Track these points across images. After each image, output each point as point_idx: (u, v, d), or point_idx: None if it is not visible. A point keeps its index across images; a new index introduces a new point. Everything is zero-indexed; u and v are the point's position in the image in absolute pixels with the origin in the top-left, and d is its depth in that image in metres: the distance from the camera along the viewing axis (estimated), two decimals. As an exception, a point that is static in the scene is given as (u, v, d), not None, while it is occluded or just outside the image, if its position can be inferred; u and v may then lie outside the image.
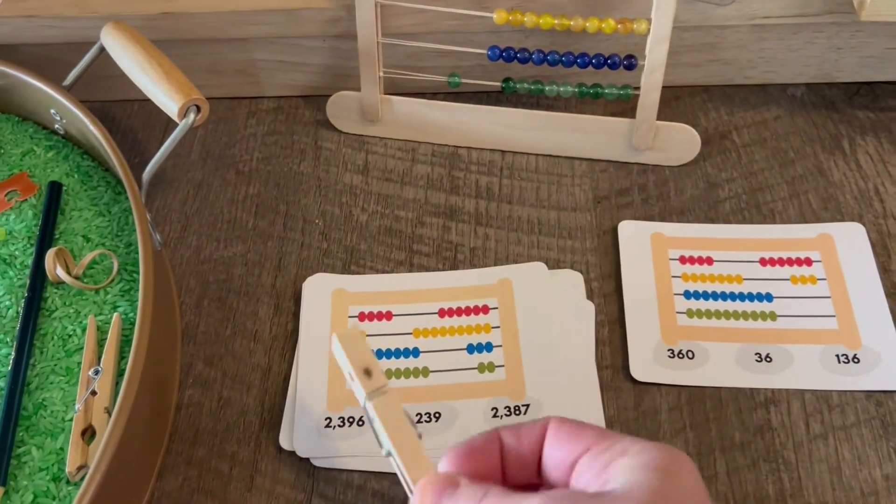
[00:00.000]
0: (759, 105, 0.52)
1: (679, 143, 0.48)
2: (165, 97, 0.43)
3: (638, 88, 0.46)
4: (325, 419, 0.39)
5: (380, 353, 0.41)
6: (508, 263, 0.45)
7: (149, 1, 0.49)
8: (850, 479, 0.37)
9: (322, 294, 0.44)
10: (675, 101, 0.52)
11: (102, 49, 0.47)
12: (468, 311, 0.41)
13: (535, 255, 0.45)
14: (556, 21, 0.45)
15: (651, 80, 0.45)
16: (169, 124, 0.53)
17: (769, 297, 0.42)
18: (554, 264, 0.45)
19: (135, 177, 0.43)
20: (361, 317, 0.42)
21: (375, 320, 0.41)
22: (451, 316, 0.41)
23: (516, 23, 0.46)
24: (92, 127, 0.45)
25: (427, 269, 0.45)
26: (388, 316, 0.41)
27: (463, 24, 0.48)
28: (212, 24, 0.49)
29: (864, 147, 0.49)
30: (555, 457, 0.29)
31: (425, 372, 0.40)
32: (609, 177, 0.49)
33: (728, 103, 0.52)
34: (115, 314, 0.41)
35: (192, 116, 0.43)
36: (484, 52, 0.48)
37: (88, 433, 0.38)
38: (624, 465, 0.27)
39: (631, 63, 0.46)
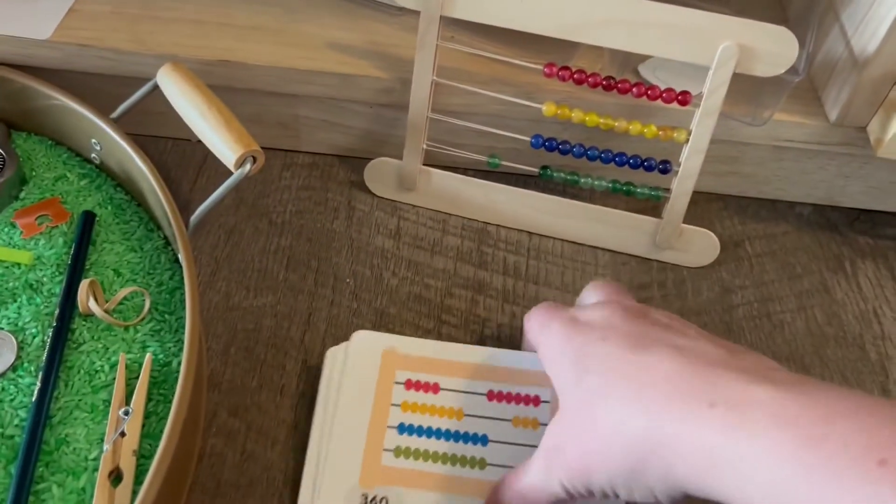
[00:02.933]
0: (769, 219, 0.56)
1: (700, 246, 0.51)
2: (224, 145, 0.43)
3: (668, 191, 0.49)
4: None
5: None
6: (534, 344, 0.46)
7: (208, 46, 0.50)
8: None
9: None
10: (693, 206, 0.55)
11: (156, 87, 0.48)
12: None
13: (560, 338, 0.47)
14: (601, 120, 0.47)
15: (683, 186, 0.48)
16: (203, 167, 0.54)
17: (484, 441, 0.39)
18: (577, 350, 0.46)
19: (183, 222, 0.43)
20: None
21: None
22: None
23: (563, 117, 0.48)
24: (141, 164, 0.45)
25: (455, 341, 0.46)
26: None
27: (508, 110, 0.50)
28: (266, 78, 0.50)
29: (864, 270, 0.53)
30: None
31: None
32: (630, 270, 0.51)
33: (741, 214, 0.56)
34: (148, 354, 0.41)
35: (248, 167, 0.43)
36: (525, 137, 0.50)
37: (113, 476, 0.37)
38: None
39: (666, 168, 0.49)
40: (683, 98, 0.45)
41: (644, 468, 0.31)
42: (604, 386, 0.33)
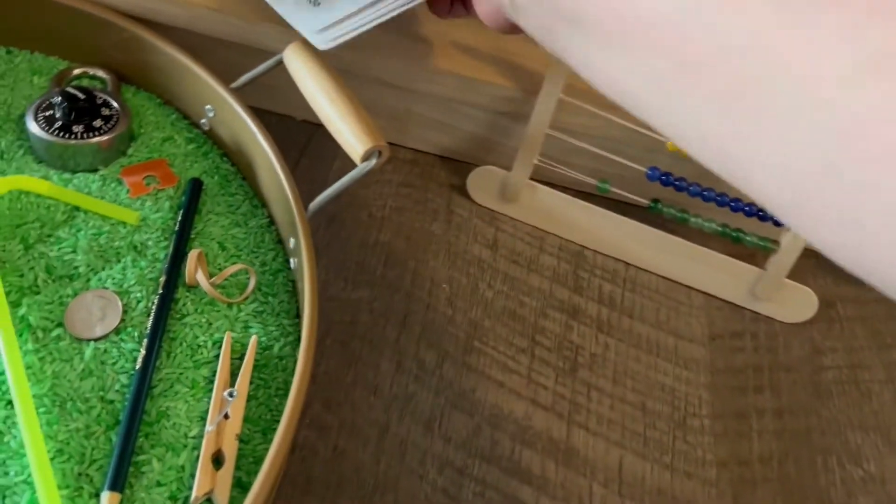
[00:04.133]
0: (861, 283, 0.55)
1: (797, 302, 0.50)
2: (352, 135, 0.42)
3: (776, 242, 0.48)
4: None
5: None
6: (626, 378, 0.46)
7: (337, 29, 0.49)
8: None
9: None
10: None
11: (280, 63, 0.47)
12: None
13: (653, 377, 0.46)
14: (728, 164, 0.47)
15: (796, 242, 0.47)
16: (308, 147, 0.53)
17: None
18: (669, 391, 0.46)
19: (304, 207, 0.42)
20: None
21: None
22: None
23: (685, 154, 0.47)
24: (261, 138, 0.45)
25: (547, 364, 0.46)
26: None
27: (626, 136, 0.50)
28: (393, 70, 0.49)
29: (953, 349, 0.52)
30: None
31: None
32: (724, 316, 0.51)
33: (834, 273, 0.55)
34: (253, 337, 0.40)
35: (374, 161, 0.42)
36: (640, 167, 0.49)
37: (214, 457, 0.36)
38: None
39: (779, 220, 0.48)
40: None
41: None
42: None
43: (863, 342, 0.52)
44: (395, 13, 0.46)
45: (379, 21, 0.46)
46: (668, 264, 0.51)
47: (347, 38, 0.45)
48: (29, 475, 0.34)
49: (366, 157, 0.43)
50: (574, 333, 0.48)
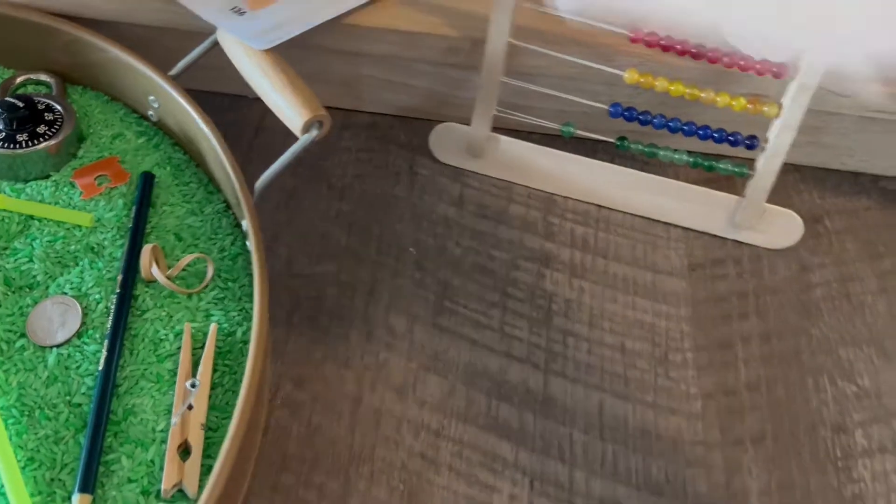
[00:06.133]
0: (850, 193, 0.53)
1: (781, 227, 0.48)
2: (290, 109, 0.42)
3: (753, 168, 0.47)
4: None
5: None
6: (603, 321, 0.45)
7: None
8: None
9: None
10: (770, 177, 0.52)
11: (216, 44, 0.46)
12: None
13: (631, 316, 0.45)
14: (686, 90, 0.45)
15: (771, 163, 0.45)
16: (262, 125, 0.52)
17: None
18: (649, 328, 0.45)
19: (248, 188, 0.42)
20: None
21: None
22: None
23: (647, 86, 0.45)
24: (201, 123, 0.44)
25: (520, 316, 0.45)
26: None
27: (582, 73, 0.48)
28: (329, 35, 0.48)
29: (952, 250, 0.50)
30: None
31: None
32: (704, 245, 0.49)
33: (820, 186, 0.53)
34: (213, 325, 0.40)
35: (314, 132, 0.42)
36: (602, 105, 0.48)
37: (181, 448, 0.36)
38: None
39: (752, 143, 0.46)
40: (779, 71, 0.42)
41: None
42: None
43: (853, 254, 0.50)
44: (329, 18, 0.45)
45: (314, 25, 0.45)
46: (642, 202, 0.50)
47: (284, 39, 0.44)
48: (1, 486, 0.35)
49: (306, 129, 0.42)
50: (547, 281, 0.46)
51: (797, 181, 0.53)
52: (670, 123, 0.47)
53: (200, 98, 0.53)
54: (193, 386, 0.38)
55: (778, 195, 0.52)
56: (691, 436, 0.41)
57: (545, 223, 0.49)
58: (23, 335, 0.39)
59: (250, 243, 0.40)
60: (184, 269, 0.42)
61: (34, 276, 0.41)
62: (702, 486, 0.40)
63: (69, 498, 0.34)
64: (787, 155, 0.53)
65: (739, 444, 0.41)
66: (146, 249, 0.41)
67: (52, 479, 0.35)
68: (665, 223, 0.50)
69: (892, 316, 0.47)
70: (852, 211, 0.52)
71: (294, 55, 0.49)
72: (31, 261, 0.42)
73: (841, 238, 0.50)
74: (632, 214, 0.50)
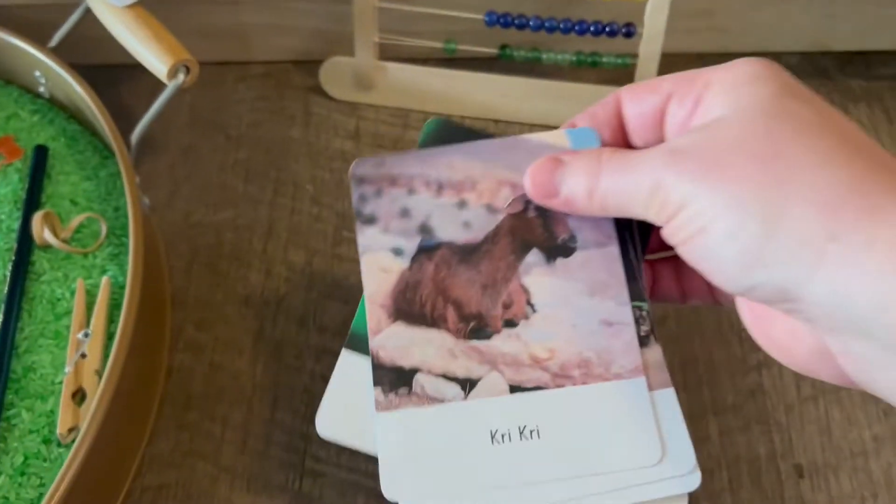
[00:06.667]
0: (752, 73, 0.52)
1: (673, 110, 0.48)
2: (154, 58, 0.42)
3: (636, 57, 0.46)
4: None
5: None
6: (501, 229, 0.45)
7: (135, -40, 0.48)
8: (840, 439, 0.37)
9: None
10: (672, 69, 0.51)
11: (88, 10, 0.47)
12: None
13: (529, 221, 0.45)
14: (553, -15, 0.44)
15: (649, 48, 0.45)
16: (156, 90, 0.52)
17: None
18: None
19: (123, 140, 0.43)
20: None
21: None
22: None
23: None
24: (79, 89, 0.45)
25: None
26: None
27: (456, -14, 0.48)
28: (200, -15, 0.48)
29: (857, 115, 0.49)
30: (637, 113, 0.29)
31: None
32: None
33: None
34: (105, 277, 0.41)
35: (181, 77, 0.42)
36: (480, 17, 0.47)
37: (79, 395, 0.37)
38: (716, 91, 0.26)
39: (630, 31, 0.45)
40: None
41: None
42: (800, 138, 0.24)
43: (756, 133, 0.49)
44: None
45: None
46: (535, 109, 0.49)
47: None
48: None
49: (172, 75, 0.42)
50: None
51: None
52: (547, 24, 0.46)
53: (96, 71, 0.53)
54: (86, 336, 0.39)
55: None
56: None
57: (443, 144, 0.49)
58: (-74, 313, 0.40)
59: (127, 194, 0.41)
60: (80, 231, 0.43)
61: (-65, 257, 0.42)
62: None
63: (-28, 454, 0.36)
64: (687, 43, 0.52)
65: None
66: (37, 216, 0.42)
67: (-42, 441, 0.36)
68: (563, 128, 0.49)
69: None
70: (754, 90, 0.51)
71: (173, 12, 0.50)
72: (-69, 243, 0.43)
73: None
74: (529, 124, 0.50)
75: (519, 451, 0.29)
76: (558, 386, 0.30)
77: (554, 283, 0.31)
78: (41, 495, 0.35)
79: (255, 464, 0.38)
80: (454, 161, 0.33)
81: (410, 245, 0.32)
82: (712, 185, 0.24)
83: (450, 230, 0.32)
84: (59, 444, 0.36)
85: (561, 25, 0.46)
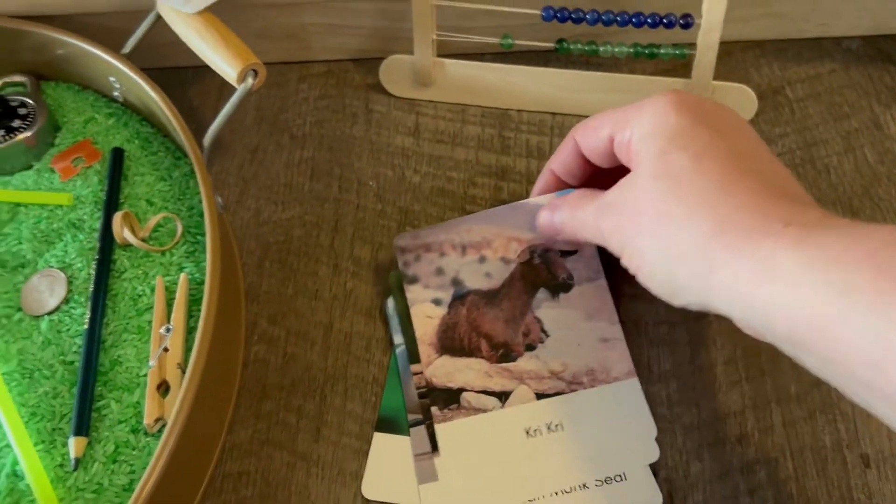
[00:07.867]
0: (813, 59, 0.52)
1: (735, 102, 0.48)
2: (223, 62, 0.44)
3: (694, 47, 0.46)
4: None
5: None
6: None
7: (202, -32, 0.49)
8: (908, 430, 0.37)
9: None
10: (728, 57, 0.52)
11: (159, 17, 0.48)
12: None
13: (588, 213, 0.46)
14: (610, -22, 0.45)
15: (708, 39, 0.45)
16: (223, 90, 0.54)
17: None
18: (607, 222, 0.45)
19: (195, 142, 0.44)
20: None
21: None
22: None
23: (571, -19, 0.45)
24: (152, 93, 0.47)
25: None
26: None
27: (512, -17, 0.48)
28: (264, -11, 0.50)
29: (922, 100, 0.49)
30: (591, 147, 0.37)
31: None
32: (660, 135, 0.49)
33: (781, 58, 0.52)
34: (182, 274, 0.43)
35: (250, 81, 0.44)
36: (536, 11, 0.48)
37: (163, 388, 0.39)
38: (636, 138, 0.34)
39: (688, 22, 0.45)
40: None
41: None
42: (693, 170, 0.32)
43: (817, 119, 0.49)
44: None
45: None
46: (592, 101, 0.50)
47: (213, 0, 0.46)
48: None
49: (241, 79, 0.44)
50: (504, 193, 0.47)
51: (757, 57, 0.52)
52: (603, 17, 0.47)
53: (166, 74, 0.55)
54: (168, 331, 0.41)
55: (737, 73, 0.51)
56: (654, 316, 0.42)
57: (501, 138, 0.50)
58: (19, 309, 0.43)
59: (202, 194, 0.42)
60: (157, 230, 0.45)
61: (24, 256, 0.45)
62: (666, 363, 0.41)
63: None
64: (744, 31, 0.52)
65: (703, 317, 0.42)
66: (116, 217, 0.44)
67: (53, 429, 0.39)
68: (620, 119, 0.50)
69: (859, 174, 0.46)
70: (815, 77, 0.51)
71: (236, 16, 0.51)
72: (20, 243, 0.45)
73: (803, 105, 0.49)
74: (586, 116, 0.50)
75: (548, 441, 0.38)
76: (573, 390, 0.39)
77: (559, 313, 0.41)
78: (132, 482, 0.37)
79: (328, 452, 0.39)
80: (472, 227, 0.43)
81: (446, 296, 0.42)
82: (631, 238, 0.33)
83: (475, 281, 0.42)
84: (146, 434, 0.38)
85: (618, 18, 0.47)
